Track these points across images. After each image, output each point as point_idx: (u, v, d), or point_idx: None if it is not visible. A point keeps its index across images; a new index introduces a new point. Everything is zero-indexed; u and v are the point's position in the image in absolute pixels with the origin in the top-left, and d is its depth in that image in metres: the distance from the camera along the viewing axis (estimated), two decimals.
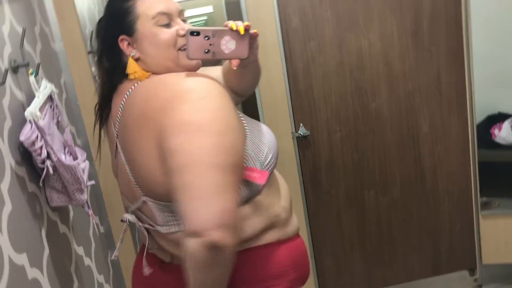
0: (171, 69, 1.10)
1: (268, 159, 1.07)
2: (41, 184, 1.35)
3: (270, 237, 1.08)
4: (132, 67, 1.13)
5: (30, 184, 1.33)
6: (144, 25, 1.10)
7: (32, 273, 1.24)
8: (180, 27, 1.10)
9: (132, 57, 1.12)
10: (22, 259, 1.20)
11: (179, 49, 1.10)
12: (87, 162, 1.49)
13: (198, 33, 0.97)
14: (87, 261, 1.72)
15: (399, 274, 2.29)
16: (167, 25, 1.10)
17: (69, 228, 1.58)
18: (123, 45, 1.13)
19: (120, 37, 1.13)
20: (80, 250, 1.67)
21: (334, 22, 2.00)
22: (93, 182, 1.52)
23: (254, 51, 1.06)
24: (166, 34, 1.09)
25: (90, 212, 1.47)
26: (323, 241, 2.21)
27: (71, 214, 1.64)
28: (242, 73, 1.18)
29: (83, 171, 1.44)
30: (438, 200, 2.23)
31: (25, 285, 1.19)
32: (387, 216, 2.22)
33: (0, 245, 1.10)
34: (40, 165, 1.31)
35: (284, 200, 1.15)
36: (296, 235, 1.17)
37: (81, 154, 1.48)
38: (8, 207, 1.17)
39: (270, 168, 1.08)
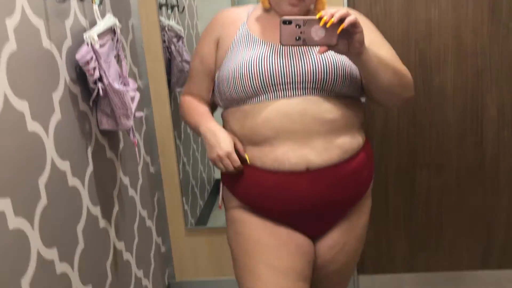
0: (273, 6, 1.22)
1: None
2: (91, 103, 1.45)
3: None
4: None
5: (82, 104, 1.44)
6: None
7: (72, 181, 1.34)
8: None
9: None
10: (64, 165, 1.30)
11: None
12: (137, 93, 1.57)
13: (290, 22, 1.03)
14: (131, 192, 1.83)
15: (444, 262, 2.18)
16: None
17: (116, 156, 1.69)
18: None
19: None
20: (125, 180, 1.77)
21: None
22: (142, 114, 1.60)
23: (354, 44, 1.03)
24: None
25: (135, 139, 1.56)
26: None
27: (121, 144, 1.74)
28: (363, 73, 1.15)
29: (132, 99, 1.52)
30: (497, 191, 2.08)
31: (65, 190, 1.30)
32: (438, 200, 2.12)
33: (45, 146, 1.20)
34: (92, 85, 1.41)
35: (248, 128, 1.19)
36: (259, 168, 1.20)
37: (132, 84, 1.56)
38: (57, 116, 1.28)
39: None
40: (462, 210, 2.12)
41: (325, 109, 1.15)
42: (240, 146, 1.21)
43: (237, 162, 1.19)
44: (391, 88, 1.17)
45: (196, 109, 1.31)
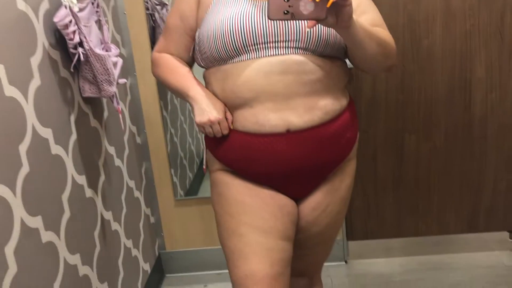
0: None
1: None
2: (72, 69, 1.41)
3: None
4: None
5: (63, 70, 1.39)
6: None
7: (55, 149, 1.31)
8: None
9: None
10: (46, 132, 1.27)
11: None
12: (120, 59, 1.53)
13: None
14: (117, 162, 1.80)
15: (432, 226, 2.21)
16: None
17: (101, 125, 1.65)
18: None
19: None
20: (111, 150, 1.74)
21: None
22: (125, 80, 1.56)
23: (343, 17, 1.01)
24: None
25: (118, 107, 1.52)
26: (354, 180, 2.15)
27: (105, 113, 1.70)
28: (347, 44, 1.13)
29: (115, 65, 1.48)
30: (485, 154, 2.09)
31: (48, 158, 1.27)
32: (426, 164, 2.12)
33: (25, 112, 1.17)
34: (72, 50, 1.37)
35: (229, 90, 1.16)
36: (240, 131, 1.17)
37: (114, 49, 1.51)
38: (36, 81, 1.23)
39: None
40: (450, 174, 2.13)
41: (308, 70, 1.13)
42: (229, 116, 1.18)
43: (227, 130, 1.17)
44: (374, 58, 1.16)
45: (178, 70, 1.26)
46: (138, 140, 2.09)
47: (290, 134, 1.13)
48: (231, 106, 1.17)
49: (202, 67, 1.26)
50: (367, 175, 2.15)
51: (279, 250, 1.16)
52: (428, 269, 2.14)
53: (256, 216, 1.16)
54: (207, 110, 1.16)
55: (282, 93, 1.11)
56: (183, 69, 1.25)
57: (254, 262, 1.14)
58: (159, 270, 2.22)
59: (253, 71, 1.12)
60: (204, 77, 1.25)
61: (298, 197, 1.24)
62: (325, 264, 1.49)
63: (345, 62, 1.25)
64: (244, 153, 1.16)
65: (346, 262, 2.25)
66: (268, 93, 1.11)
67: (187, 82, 1.23)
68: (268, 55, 1.12)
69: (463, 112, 2.04)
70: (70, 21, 1.32)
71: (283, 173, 1.16)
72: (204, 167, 1.31)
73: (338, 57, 1.20)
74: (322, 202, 1.24)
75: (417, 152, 2.11)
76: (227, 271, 2.32)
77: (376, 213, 2.21)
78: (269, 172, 1.17)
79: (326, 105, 1.15)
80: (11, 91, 1.11)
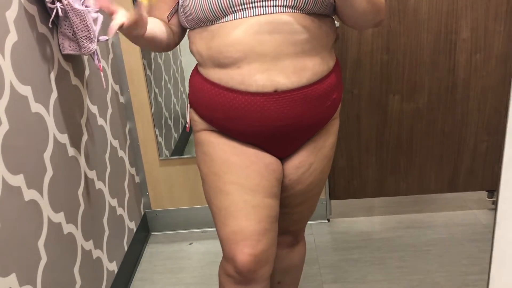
0: None
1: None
2: (50, 25, 1.37)
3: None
4: None
5: (41, 26, 1.35)
6: None
7: (35, 107, 1.29)
8: None
9: None
10: (25, 90, 1.24)
11: None
12: (100, 14, 1.49)
13: None
14: (100, 121, 1.78)
15: (413, 186, 2.25)
16: None
17: (82, 83, 1.63)
18: None
19: None
20: (93, 109, 1.72)
21: None
22: (106, 38, 1.52)
23: None
24: None
25: (100, 64, 1.49)
26: (338, 141, 2.16)
27: (87, 71, 1.67)
28: (338, 2, 1.12)
29: (95, 21, 1.44)
30: (466, 115, 2.12)
31: (28, 116, 1.25)
32: (409, 124, 2.14)
33: (1, 68, 1.14)
34: (50, 5, 1.33)
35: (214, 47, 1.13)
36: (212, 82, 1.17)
37: (94, 4, 1.47)
38: (12, 37, 1.20)
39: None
40: (432, 135, 2.16)
41: (297, 30, 1.11)
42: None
43: None
44: (364, 15, 1.15)
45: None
46: (122, 99, 2.06)
47: (278, 94, 1.12)
48: (216, 65, 1.15)
49: (187, 27, 1.23)
50: (351, 135, 2.17)
51: (265, 207, 1.18)
52: (408, 227, 2.20)
53: (242, 175, 1.17)
54: None
55: (271, 54, 1.09)
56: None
57: (242, 219, 1.16)
58: (145, 228, 2.25)
59: (242, 31, 1.09)
60: (189, 37, 1.22)
61: (282, 156, 1.25)
62: (308, 222, 1.53)
63: (333, 20, 1.23)
64: (229, 111, 1.15)
65: (328, 220, 2.30)
66: (257, 53, 1.09)
67: None
68: (256, 14, 1.09)
69: (447, 74, 2.05)
70: None
71: (270, 132, 1.17)
72: (187, 126, 1.30)
73: (327, 15, 1.18)
74: (306, 161, 1.26)
75: (401, 113, 2.13)
76: (211, 229, 2.36)
77: (359, 173, 2.24)
78: (255, 130, 1.17)
79: (314, 66, 1.14)
80: None
